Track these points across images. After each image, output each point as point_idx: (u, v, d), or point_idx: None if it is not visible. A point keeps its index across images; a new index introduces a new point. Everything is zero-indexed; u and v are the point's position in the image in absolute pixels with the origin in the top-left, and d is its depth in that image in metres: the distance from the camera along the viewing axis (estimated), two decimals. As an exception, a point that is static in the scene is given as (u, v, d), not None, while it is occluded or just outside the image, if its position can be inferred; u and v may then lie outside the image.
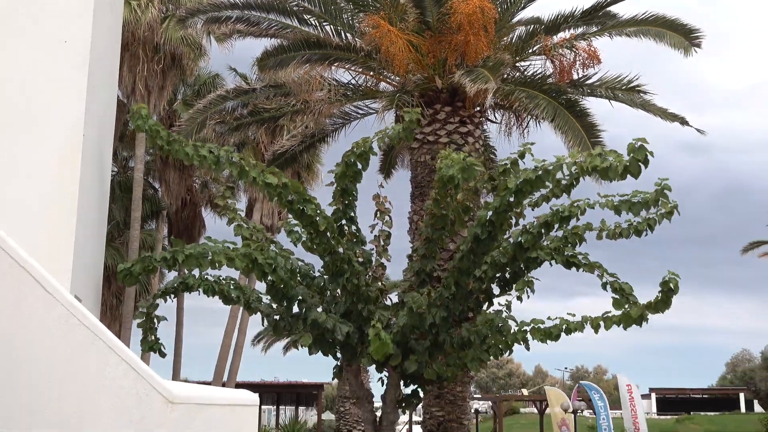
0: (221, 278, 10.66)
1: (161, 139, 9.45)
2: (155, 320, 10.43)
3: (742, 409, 75.06)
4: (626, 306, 10.12)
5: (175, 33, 20.72)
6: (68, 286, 6.14)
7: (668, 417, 57.13)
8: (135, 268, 9.77)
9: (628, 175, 8.80)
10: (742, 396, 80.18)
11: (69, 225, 6.78)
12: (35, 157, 6.81)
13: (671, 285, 9.67)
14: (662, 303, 9.81)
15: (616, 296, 10.37)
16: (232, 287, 10.66)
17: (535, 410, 44.14)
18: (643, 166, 8.72)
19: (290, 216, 10.37)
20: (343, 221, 10.68)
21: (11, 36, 6.63)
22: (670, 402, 70.92)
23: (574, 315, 10.47)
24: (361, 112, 17.11)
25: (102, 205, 8.47)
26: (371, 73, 16.02)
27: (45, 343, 4.35)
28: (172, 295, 10.93)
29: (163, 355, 10.55)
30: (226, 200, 11.48)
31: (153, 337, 10.39)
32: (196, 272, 10.53)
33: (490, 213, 9.70)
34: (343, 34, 15.34)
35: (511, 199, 9.44)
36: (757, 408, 74.81)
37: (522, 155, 10.58)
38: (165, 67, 21.95)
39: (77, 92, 6.91)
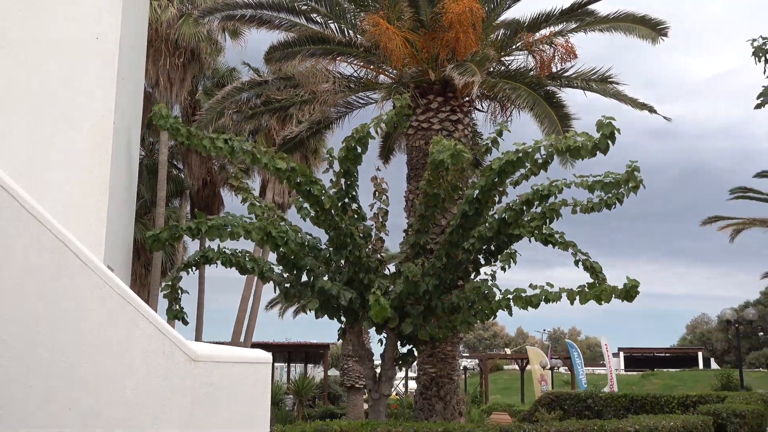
0: (238, 251, 10.75)
1: (181, 136, 9.54)
2: (179, 291, 10.58)
3: (700, 366, 75.50)
4: (598, 286, 10.18)
5: (189, 30, 20.58)
6: (102, 258, 6.17)
7: (635, 373, 57.52)
8: (162, 235, 9.92)
9: (598, 153, 8.85)
10: (700, 355, 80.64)
11: (101, 203, 6.81)
12: (71, 143, 6.83)
13: (631, 291, 9.79)
14: (627, 296, 9.89)
15: (589, 276, 10.48)
16: (247, 259, 10.75)
17: (516, 367, 44.46)
18: (610, 143, 8.78)
19: (299, 195, 10.40)
20: (346, 200, 10.70)
21: (49, 33, 6.64)
22: (637, 360, 71.39)
23: (552, 286, 10.50)
24: (362, 101, 17.11)
25: (131, 185, 8.48)
26: (371, 67, 15.97)
27: (81, 308, 4.38)
28: (194, 267, 11.04)
29: (185, 322, 10.71)
30: (240, 181, 11.57)
31: (177, 307, 10.55)
32: (215, 246, 10.62)
33: (476, 192, 9.74)
34: (346, 31, 15.28)
35: (496, 179, 9.48)
36: (714, 365, 75.32)
37: (500, 133, 10.72)
38: (185, 61, 21.84)
39: (108, 84, 6.91)
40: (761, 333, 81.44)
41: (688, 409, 16.42)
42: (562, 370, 37.57)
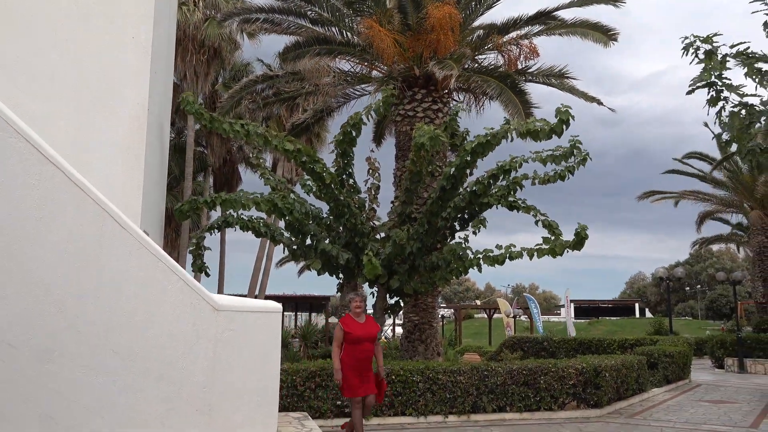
0: (254, 218, 10.78)
1: (204, 120, 9.57)
2: (203, 248, 10.75)
3: (637, 315, 76.37)
4: (553, 240, 10.23)
5: (213, 31, 20.27)
6: (138, 223, 6.14)
7: (582, 321, 58.09)
8: (184, 207, 9.99)
9: (554, 136, 8.93)
10: (636, 306, 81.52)
11: (138, 177, 6.77)
12: (111, 127, 6.78)
13: (582, 234, 9.83)
14: (577, 244, 9.94)
15: (548, 233, 10.49)
16: (261, 224, 10.79)
17: (485, 316, 44.79)
18: (565, 128, 8.86)
19: (304, 172, 10.40)
20: (344, 176, 10.67)
21: (92, 34, 6.54)
22: (584, 309, 72.12)
23: (515, 246, 10.57)
24: (358, 93, 16.97)
25: (163, 163, 8.43)
26: (366, 63, 15.81)
27: (120, 266, 4.36)
28: (217, 230, 11.17)
29: (208, 274, 10.93)
30: (258, 159, 11.60)
31: (201, 261, 10.70)
32: (235, 213, 10.65)
33: (453, 169, 9.74)
34: (344, 33, 15.09)
35: (469, 158, 9.49)
36: (648, 314, 76.21)
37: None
38: (209, 57, 21.50)
39: (143, 77, 6.86)
40: (687, 288, 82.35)
41: (626, 350, 16.63)
42: (523, 318, 37.89)
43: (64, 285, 3.93)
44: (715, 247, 68.68)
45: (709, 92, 6.53)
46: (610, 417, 10.10)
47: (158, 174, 7.96)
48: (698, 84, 6.52)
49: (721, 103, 6.53)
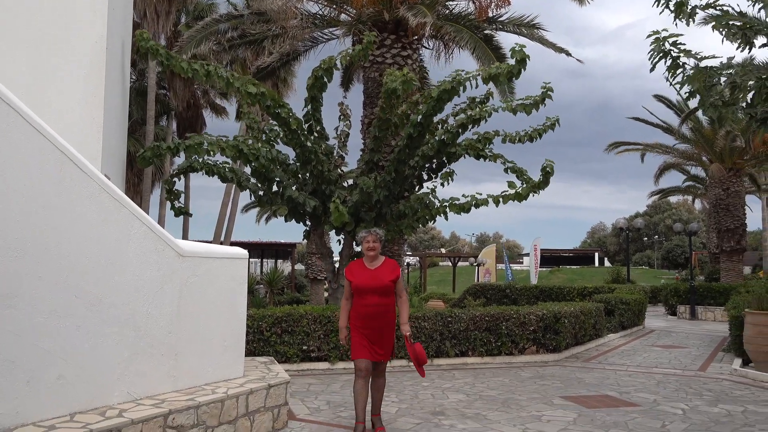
0: (219, 162, 10.62)
1: (160, 56, 9.25)
2: (176, 193, 10.82)
3: (596, 264, 78.58)
4: (519, 185, 10.35)
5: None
6: (98, 167, 5.98)
7: (544, 269, 59.46)
8: (147, 154, 9.79)
9: (513, 79, 9.00)
10: (596, 255, 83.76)
11: (97, 119, 6.56)
12: (69, 66, 6.52)
13: (548, 169, 9.94)
14: (543, 183, 10.08)
15: (516, 178, 10.60)
16: (227, 170, 10.62)
17: (449, 263, 45.50)
18: (522, 69, 8.87)
19: (270, 118, 10.21)
20: (312, 122, 10.50)
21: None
22: (546, 259, 73.93)
23: (481, 194, 10.65)
24: (326, 37, 16.59)
25: (123, 105, 8.17)
26: (334, 6, 15.40)
27: (81, 211, 4.26)
28: (184, 175, 11.13)
29: (189, 215, 11.09)
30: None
31: (178, 204, 10.90)
32: (200, 159, 10.47)
33: (419, 117, 9.67)
34: (313, -27, 14.62)
35: (435, 105, 9.42)
36: (607, 263, 78.43)
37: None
38: (170, -6, 20.68)
39: (100, 13, 6.57)
40: (645, 238, 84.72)
41: (585, 297, 17.13)
42: (498, 266, 38.89)
43: (22, 230, 3.82)
44: (673, 199, 70.44)
45: (667, 64, 6.53)
46: (567, 361, 10.47)
47: (119, 116, 7.72)
48: (656, 57, 6.50)
49: (680, 71, 6.54)
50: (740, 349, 10.10)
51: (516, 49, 8.78)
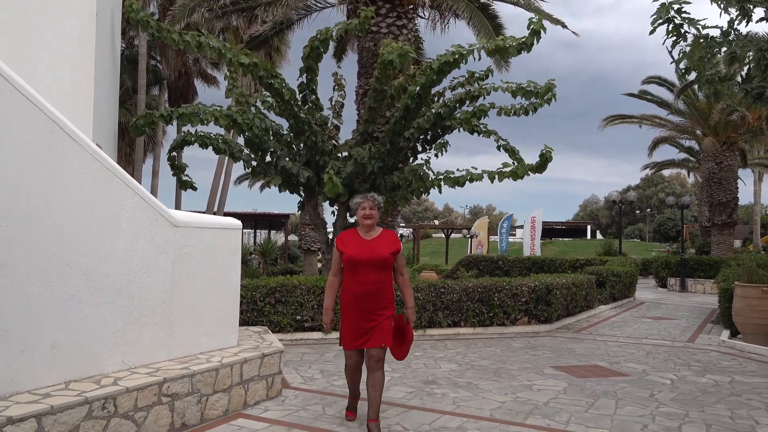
0: (212, 134, 10.55)
1: (151, 28, 9.07)
2: (180, 167, 10.91)
3: (588, 236, 78.98)
4: (514, 163, 10.30)
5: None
6: (90, 136, 5.91)
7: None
8: (139, 122, 9.68)
9: (523, 52, 8.82)
10: (589, 227, 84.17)
11: (88, 88, 6.48)
12: (59, 35, 6.42)
13: (547, 155, 9.89)
14: (540, 167, 10.03)
15: (508, 157, 10.54)
16: (220, 141, 10.56)
17: (442, 235, 45.67)
18: (535, 41, 8.74)
19: (263, 88, 10.10)
20: (306, 92, 10.40)
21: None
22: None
23: (476, 168, 10.60)
24: (320, 5, 16.31)
25: (114, 74, 8.06)
26: (328, -27, 15.16)
27: (74, 180, 4.22)
28: (181, 149, 11.13)
29: (195, 188, 11.11)
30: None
31: (184, 177, 10.93)
32: (193, 131, 10.38)
33: (418, 88, 9.57)
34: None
35: (435, 77, 9.30)
36: (599, 236, 78.90)
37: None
38: (162, -40, 20.30)
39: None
40: (638, 211, 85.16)
41: (577, 269, 17.27)
42: (491, 238, 39.07)
43: (12, 199, 3.79)
44: (666, 173, 70.60)
45: (668, 29, 6.46)
46: (558, 332, 10.59)
47: (109, 85, 7.62)
48: (658, 22, 6.44)
49: (681, 40, 6.49)
50: (729, 321, 10.23)
51: (534, 20, 8.67)
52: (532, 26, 8.72)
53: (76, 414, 3.78)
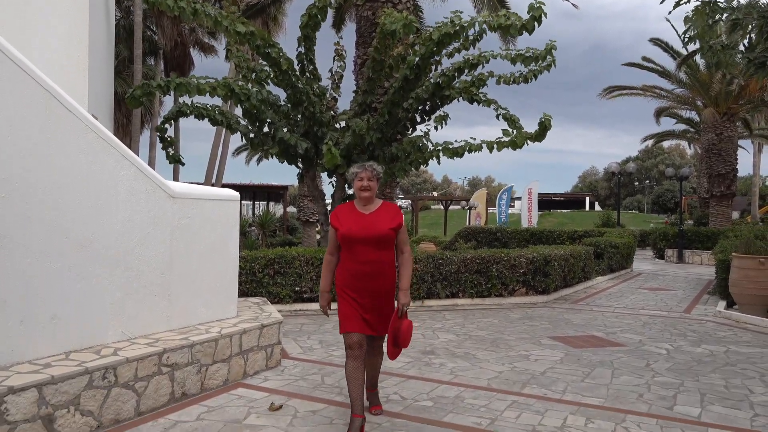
0: (209, 106, 10.46)
1: None
2: (169, 140, 10.70)
3: (587, 208, 79.03)
4: (513, 133, 10.24)
5: None
6: (86, 107, 5.86)
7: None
8: (136, 92, 9.60)
9: (525, 32, 8.65)
10: (587, 199, 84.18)
11: (82, 58, 6.39)
12: (51, 3, 6.29)
13: (546, 123, 9.82)
14: (539, 135, 9.97)
15: (507, 126, 10.46)
16: (217, 113, 10.48)
17: (441, 207, 45.68)
18: (537, 25, 8.59)
19: (260, 58, 9.97)
20: (305, 62, 10.29)
21: None
22: (538, 202, 74.48)
23: (474, 139, 10.55)
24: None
25: (109, 43, 7.94)
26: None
27: (70, 151, 4.19)
28: (174, 120, 10.91)
29: (182, 164, 10.90)
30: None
31: (172, 151, 10.72)
32: (189, 101, 10.28)
33: (417, 59, 9.46)
34: None
35: (434, 48, 9.19)
36: (597, 207, 78.97)
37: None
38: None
39: (81, -55, 6.28)
40: (637, 183, 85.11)
41: (575, 241, 17.30)
42: (490, 209, 39.22)
43: (8, 170, 3.76)
44: (666, 144, 70.35)
45: None
46: (555, 303, 10.66)
47: (105, 55, 7.52)
48: None
49: (684, 2, 6.40)
50: (725, 292, 10.29)
51: (535, 5, 8.52)
52: (532, 11, 8.57)
53: (77, 384, 3.82)
